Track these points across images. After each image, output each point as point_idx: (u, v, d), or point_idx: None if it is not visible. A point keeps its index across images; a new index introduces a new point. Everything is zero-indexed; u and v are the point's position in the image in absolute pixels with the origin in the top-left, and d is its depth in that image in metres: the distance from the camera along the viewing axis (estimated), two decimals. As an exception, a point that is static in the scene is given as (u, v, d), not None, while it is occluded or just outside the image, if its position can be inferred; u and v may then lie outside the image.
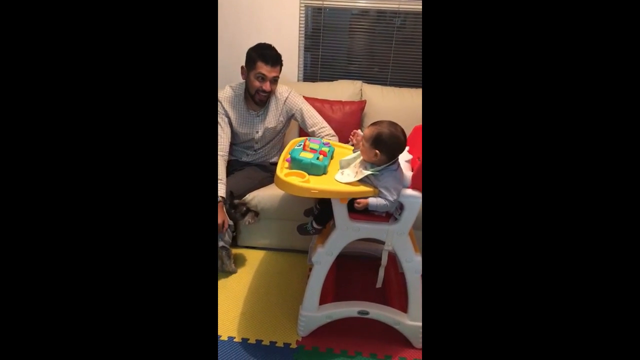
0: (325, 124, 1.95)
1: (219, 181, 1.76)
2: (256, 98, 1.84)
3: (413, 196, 1.32)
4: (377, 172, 1.27)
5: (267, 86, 1.80)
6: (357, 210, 1.31)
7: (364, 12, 2.47)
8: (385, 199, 1.26)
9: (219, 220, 1.72)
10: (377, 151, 1.26)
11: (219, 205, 1.74)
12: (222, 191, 1.76)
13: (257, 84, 1.80)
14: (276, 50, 1.79)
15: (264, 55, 1.76)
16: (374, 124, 1.30)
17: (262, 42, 1.83)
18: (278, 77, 1.83)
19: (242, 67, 1.84)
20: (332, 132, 1.94)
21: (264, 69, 1.77)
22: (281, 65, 1.81)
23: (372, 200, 1.27)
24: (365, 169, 1.29)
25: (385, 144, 1.25)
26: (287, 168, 1.38)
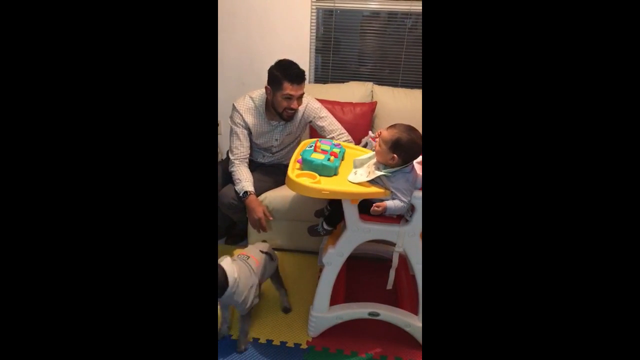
0: (343, 130, 1.95)
1: (245, 181, 1.82)
2: (284, 115, 1.84)
3: (424, 197, 1.31)
4: (390, 174, 1.27)
5: (295, 105, 1.79)
6: (370, 212, 1.31)
7: (375, 14, 2.47)
8: (400, 200, 1.26)
9: (258, 214, 1.76)
10: (394, 155, 1.26)
11: (251, 198, 1.79)
12: (250, 187, 1.81)
13: (285, 104, 1.78)
14: (299, 67, 1.76)
15: (289, 75, 1.73)
16: (392, 127, 1.30)
17: (284, 58, 1.78)
18: (304, 93, 1.82)
19: (266, 87, 1.81)
20: (349, 138, 1.94)
21: (291, 89, 1.74)
22: (305, 80, 1.79)
23: (390, 204, 1.26)
24: (379, 169, 1.29)
25: (403, 149, 1.26)
26: (298, 169, 1.39)
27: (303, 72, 1.77)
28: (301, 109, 1.91)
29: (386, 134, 1.29)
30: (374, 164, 1.34)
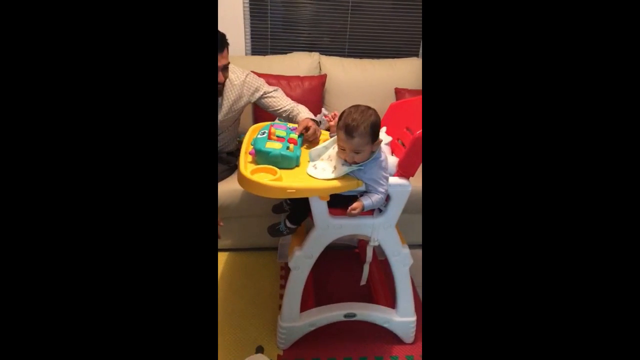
0: (296, 105, 1.59)
1: None
2: None
3: (400, 184, 1.15)
4: (362, 167, 1.08)
5: (220, 78, 1.47)
6: (340, 205, 1.12)
7: (314, -26, 2.21)
8: (377, 192, 1.08)
9: None
10: (374, 143, 1.07)
11: None
12: None
13: None
14: (219, 32, 1.42)
15: None
16: (347, 116, 1.05)
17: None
18: (229, 62, 1.50)
19: None
20: (307, 110, 1.58)
21: None
22: (228, 46, 1.47)
23: (367, 202, 1.08)
24: (345, 163, 1.09)
25: (377, 130, 1.07)
26: (251, 162, 1.16)
27: (223, 36, 1.44)
28: (237, 83, 1.59)
29: (360, 129, 1.02)
30: (337, 155, 1.13)
